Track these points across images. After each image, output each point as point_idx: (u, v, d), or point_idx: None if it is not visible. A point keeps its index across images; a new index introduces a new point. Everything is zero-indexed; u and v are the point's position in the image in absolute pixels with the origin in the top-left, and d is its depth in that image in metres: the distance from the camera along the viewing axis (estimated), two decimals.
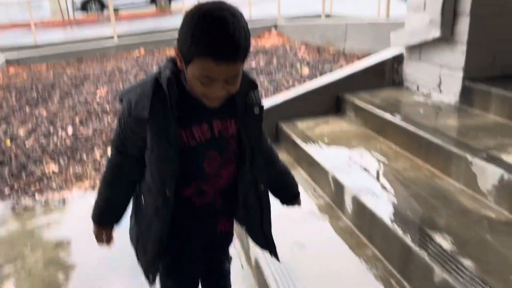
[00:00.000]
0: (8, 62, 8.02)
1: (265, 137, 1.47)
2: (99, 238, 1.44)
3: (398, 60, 3.53)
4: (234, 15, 1.07)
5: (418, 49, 3.30)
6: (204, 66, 1.07)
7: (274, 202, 1.58)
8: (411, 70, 3.45)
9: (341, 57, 6.08)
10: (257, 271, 2.11)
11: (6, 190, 3.63)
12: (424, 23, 3.10)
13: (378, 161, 2.63)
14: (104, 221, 1.42)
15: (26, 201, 3.49)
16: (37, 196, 3.55)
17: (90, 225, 1.44)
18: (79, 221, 2.91)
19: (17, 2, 15.92)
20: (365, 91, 3.52)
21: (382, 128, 2.99)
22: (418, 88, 3.39)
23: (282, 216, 2.42)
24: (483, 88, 2.78)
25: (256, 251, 2.12)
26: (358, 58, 5.03)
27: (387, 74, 3.59)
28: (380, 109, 3.05)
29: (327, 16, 8.55)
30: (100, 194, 1.39)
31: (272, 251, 1.55)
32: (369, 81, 3.58)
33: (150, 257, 1.35)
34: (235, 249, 2.49)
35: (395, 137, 2.83)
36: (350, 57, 5.85)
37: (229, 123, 1.28)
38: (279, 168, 1.57)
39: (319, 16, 7.93)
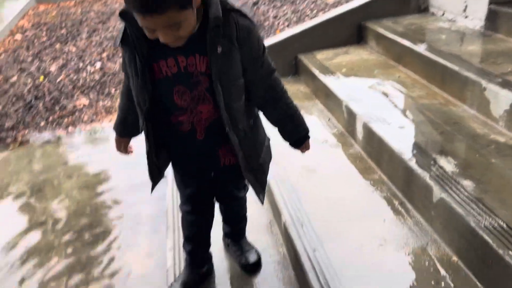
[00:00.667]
0: (38, 0, 8.12)
1: (265, 73, 1.42)
2: (119, 147, 1.67)
3: None
4: None
5: None
6: (138, 19, 1.14)
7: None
8: None
9: None
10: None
11: (42, 123, 3.87)
12: None
13: (394, 89, 2.63)
14: (120, 131, 1.62)
15: (60, 132, 3.72)
16: (70, 128, 3.78)
17: (118, 155, 1.69)
18: (109, 150, 3.11)
19: None
20: (389, 18, 3.42)
21: (402, 56, 2.94)
22: (443, 13, 3.25)
23: None
24: (508, 11, 2.65)
25: None
26: None
27: (412, 0, 3.44)
28: (402, 37, 2.97)
29: None
30: (118, 107, 1.60)
31: (257, 191, 1.58)
32: (393, 8, 3.46)
33: (148, 164, 1.52)
34: None
35: (414, 65, 2.79)
36: None
37: (197, 59, 1.29)
38: (281, 109, 1.50)
39: None
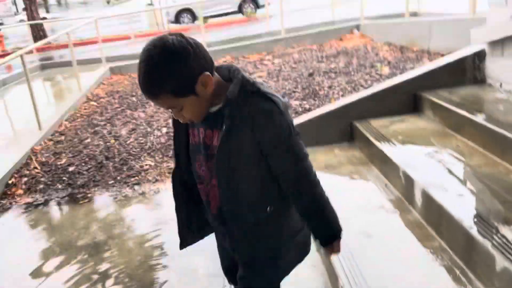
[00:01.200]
0: (112, 71, 8.98)
1: (291, 160, 1.33)
2: None
3: (479, 56, 3.44)
4: (148, 57, 1.18)
5: (501, 44, 3.20)
6: None
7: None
8: (494, 66, 3.35)
9: (424, 55, 5.93)
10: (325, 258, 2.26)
11: (111, 181, 4.17)
12: (507, 17, 3.02)
13: (452, 157, 2.64)
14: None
15: (126, 190, 3.98)
16: (135, 187, 4.04)
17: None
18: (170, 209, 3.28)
19: (118, 17, 17.48)
20: (444, 89, 3.48)
21: (460, 126, 2.97)
22: (501, 85, 3.28)
23: (351, 207, 2.57)
24: None
25: None
26: (443, 56, 4.91)
27: (468, 71, 3.51)
28: (459, 107, 3.02)
29: (413, 14, 8.32)
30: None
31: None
32: (449, 79, 3.53)
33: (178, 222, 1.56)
34: None
35: (473, 134, 2.80)
36: (434, 56, 5.69)
37: (214, 134, 1.33)
38: (308, 202, 1.39)
39: (403, 15, 7.76)
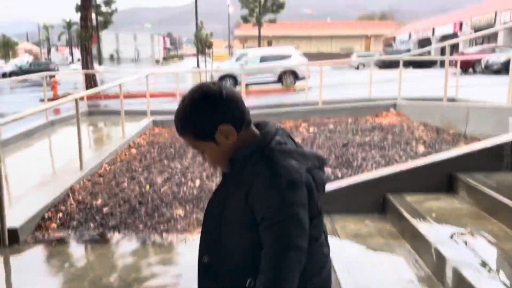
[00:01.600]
0: (155, 123, 9.41)
1: (274, 244, 1.21)
2: None
3: None
4: (184, 98, 1.31)
5: None
6: None
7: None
8: None
9: (461, 139, 5.97)
10: None
11: (141, 226, 4.26)
12: None
13: (486, 240, 2.61)
14: None
15: (155, 237, 4.05)
16: (164, 234, 4.11)
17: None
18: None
19: (165, 75, 18.52)
20: (480, 172, 3.49)
21: (495, 210, 2.95)
22: None
23: (380, 279, 2.55)
24: None
25: None
26: (479, 141, 4.94)
27: (505, 158, 3.53)
28: (494, 191, 3.02)
29: (451, 100, 8.47)
30: None
31: None
32: (486, 163, 3.55)
33: None
34: None
35: (508, 219, 2.78)
36: (470, 140, 5.72)
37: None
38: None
39: (441, 99, 7.92)
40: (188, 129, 1.30)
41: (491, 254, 2.41)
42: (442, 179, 3.60)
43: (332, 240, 3.18)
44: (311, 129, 7.88)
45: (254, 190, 1.22)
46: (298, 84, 17.60)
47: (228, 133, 1.28)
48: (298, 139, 7.07)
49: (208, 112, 1.27)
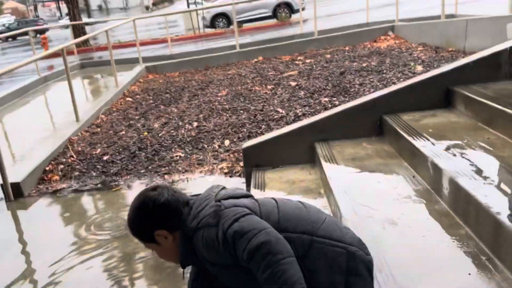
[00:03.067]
0: (148, 70, 9.24)
1: (246, 258, 1.37)
2: None
3: None
4: (133, 205, 1.53)
5: None
6: None
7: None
8: None
9: (460, 55, 5.80)
10: None
11: (142, 171, 4.29)
12: None
13: (483, 149, 2.58)
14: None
15: (157, 180, 4.09)
16: (166, 177, 4.14)
17: None
18: None
19: (156, 22, 17.95)
20: (478, 84, 3.40)
21: (492, 120, 2.89)
22: None
23: (377, 196, 2.56)
24: None
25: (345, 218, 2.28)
26: None
27: (503, 66, 3.41)
28: (492, 101, 2.95)
29: (449, 17, 8.15)
30: None
31: None
32: (483, 74, 3.45)
33: None
34: None
35: (505, 128, 2.73)
36: (470, 55, 5.55)
37: None
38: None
39: (439, 17, 7.62)
40: (134, 233, 1.55)
41: (487, 162, 2.39)
42: (438, 94, 3.52)
43: (329, 165, 3.18)
44: (308, 61, 7.69)
45: (207, 247, 1.42)
46: (294, 17, 17.01)
47: (164, 236, 1.49)
48: (294, 72, 6.92)
49: (144, 221, 1.50)
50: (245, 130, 4.82)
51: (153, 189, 1.53)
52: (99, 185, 4.12)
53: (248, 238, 1.34)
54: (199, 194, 1.57)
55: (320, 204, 2.97)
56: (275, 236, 1.35)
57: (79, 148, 4.91)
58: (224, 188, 1.58)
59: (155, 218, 1.48)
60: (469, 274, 1.78)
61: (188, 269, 1.66)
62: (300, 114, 4.89)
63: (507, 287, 1.68)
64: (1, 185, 3.95)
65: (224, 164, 4.18)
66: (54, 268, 2.80)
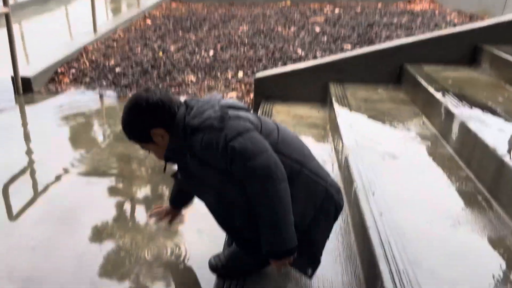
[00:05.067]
0: None
1: (244, 179, 1.37)
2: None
3: None
4: (126, 106, 1.48)
5: None
6: None
7: None
8: None
9: None
10: (342, 162, 2.23)
11: (152, 87, 4.26)
12: None
13: (500, 103, 2.50)
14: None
15: None
16: (175, 95, 4.11)
17: None
18: None
19: None
20: (509, 44, 3.26)
21: None
22: None
23: (382, 133, 2.52)
24: None
25: (347, 154, 2.26)
26: None
27: None
28: None
29: None
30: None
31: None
32: None
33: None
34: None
35: None
36: None
37: None
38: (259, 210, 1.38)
39: None
40: (130, 136, 1.52)
41: (502, 114, 2.31)
42: (465, 50, 3.39)
43: (340, 103, 3.11)
44: (337, 11, 7.43)
45: (203, 153, 1.40)
46: None
47: (160, 135, 1.47)
48: (321, 18, 6.70)
49: (139, 121, 1.47)
50: (260, 65, 4.73)
51: (145, 90, 1.50)
52: (108, 93, 4.11)
53: (248, 157, 1.33)
54: (198, 98, 1.55)
55: (323, 138, 2.94)
56: (274, 160, 1.35)
57: (93, 57, 4.87)
58: (223, 98, 1.55)
59: (150, 117, 1.45)
60: (462, 208, 1.77)
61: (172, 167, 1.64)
62: (319, 57, 4.76)
63: (498, 224, 1.66)
64: (12, 77, 3.95)
65: (234, 94, 4.13)
66: (52, 159, 2.84)
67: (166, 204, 1.90)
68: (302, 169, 1.45)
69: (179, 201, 1.85)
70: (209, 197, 1.50)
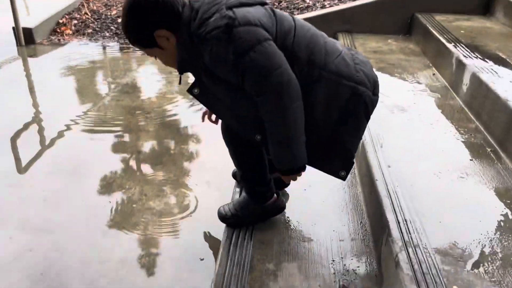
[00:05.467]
0: None
1: (249, 87, 1.31)
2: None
3: None
4: (124, 7, 1.33)
5: None
6: None
7: None
8: None
9: None
10: None
11: None
12: None
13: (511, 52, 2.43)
14: None
15: None
16: None
17: None
18: None
19: None
20: None
21: None
22: None
23: (391, 85, 2.48)
24: None
25: None
26: None
27: None
28: None
29: None
30: None
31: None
32: None
33: None
34: None
35: None
36: None
37: None
38: (268, 129, 1.35)
39: None
40: (133, 40, 1.37)
41: None
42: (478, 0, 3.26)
43: None
44: None
45: (210, 56, 1.27)
46: None
47: (166, 37, 1.32)
48: None
49: (139, 21, 1.31)
50: None
51: None
52: (111, 45, 4.04)
53: (261, 74, 1.25)
54: None
55: None
56: (288, 78, 1.26)
57: (95, 8, 4.74)
58: None
59: (151, 15, 1.30)
60: (471, 159, 1.76)
61: (187, 76, 1.56)
62: (327, 6, 4.59)
63: (506, 175, 1.66)
64: (13, 28, 3.88)
65: None
66: (58, 111, 2.84)
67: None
68: (321, 72, 1.34)
69: None
70: (223, 114, 1.44)
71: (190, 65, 1.36)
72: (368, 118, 1.43)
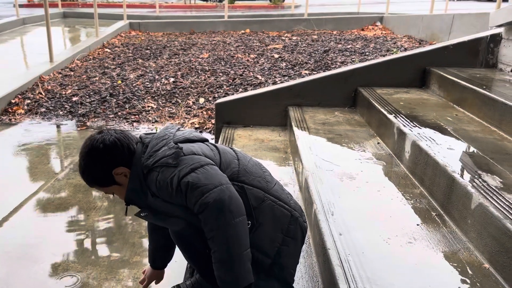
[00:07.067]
0: (131, 26, 9.01)
1: (196, 211, 1.35)
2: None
3: (494, 40, 3.40)
4: (82, 152, 1.42)
5: None
6: None
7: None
8: (507, 51, 3.31)
9: None
10: (303, 186, 2.26)
11: (111, 115, 4.19)
12: None
13: (449, 122, 2.62)
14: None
15: (125, 126, 4.01)
16: (135, 124, 4.06)
17: None
18: None
19: None
20: (455, 67, 3.46)
21: (462, 99, 2.95)
22: (511, 70, 3.25)
23: (340, 155, 2.58)
24: None
25: (308, 179, 2.29)
26: None
27: (481, 54, 3.47)
28: (466, 81, 3.00)
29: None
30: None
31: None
32: (461, 59, 3.50)
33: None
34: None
35: (473, 106, 2.78)
36: None
37: None
38: (212, 247, 1.36)
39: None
40: (91, 182, 1.45)
41: (451, 133, 2.43)
42: (415, 73, 3.56)
43: (299, 126, 3.18)
44: (294, 38, 7.65)
45: (158, 190, 1.38)
46: (287, 1, 16.88)
47: (124, 173, 1.42)
48: (279, 45, 6.87)
49: (98, 164, 1.41)
50: (221, 91, 4.77)
51: (98, 133, 1.44)
52: (65, 123, 4.02)
53: (202, 192, 1.30)
54: (154, 133, 1.51)
55: (284, 160, 2.98)
56: (230, 194, 1.32)
57: (49, 87, 4.76)
58: (179, 129, 1.52)
59: (109, 157, 1.39)
60: (417, 224, 1.82)
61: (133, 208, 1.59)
62: (278, 82, 4.86)
63: (452, 238, 1.72)
64: None
65: (196, 120, 4.13)
66: (7, 191, 2.73)
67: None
68: (265, 195, 1.47)
69: (159, 260, 1.73)
70: (177, 226, 1.49)
71: (139, 195, 1.43)
72: (303, 243, 1.57)
